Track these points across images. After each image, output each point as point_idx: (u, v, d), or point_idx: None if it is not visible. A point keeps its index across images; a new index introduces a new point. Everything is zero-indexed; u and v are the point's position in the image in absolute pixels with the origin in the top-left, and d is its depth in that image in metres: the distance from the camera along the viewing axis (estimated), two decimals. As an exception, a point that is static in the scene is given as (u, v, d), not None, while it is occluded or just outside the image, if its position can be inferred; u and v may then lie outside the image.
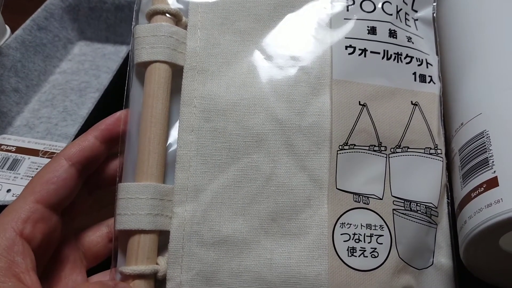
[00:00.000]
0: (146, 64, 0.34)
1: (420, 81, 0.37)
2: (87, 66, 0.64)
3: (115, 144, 0.35)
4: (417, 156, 0.35)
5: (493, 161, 0.31)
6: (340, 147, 0.34)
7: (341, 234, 0.33)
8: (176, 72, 0.35)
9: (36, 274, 0.29)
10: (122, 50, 0.65)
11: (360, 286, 0.32)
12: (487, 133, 0.32)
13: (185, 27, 0.36)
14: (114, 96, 0.53)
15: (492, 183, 0.30)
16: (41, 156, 0.53)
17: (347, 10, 0.37)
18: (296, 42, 0.36)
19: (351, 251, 0.32)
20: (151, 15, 0.35)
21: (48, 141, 0.54)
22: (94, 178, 0.35)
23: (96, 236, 0.35)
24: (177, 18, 0.36)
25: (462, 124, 0.35)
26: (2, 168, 0.52)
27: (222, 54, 0.35)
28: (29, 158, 0.53)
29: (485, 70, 0.35)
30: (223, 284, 0.31)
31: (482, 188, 0.31)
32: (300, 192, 0.33)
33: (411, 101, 0.36)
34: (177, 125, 0.34)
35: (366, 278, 0.32)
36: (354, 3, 0.37)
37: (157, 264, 0.31)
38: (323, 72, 0.35)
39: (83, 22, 0.66)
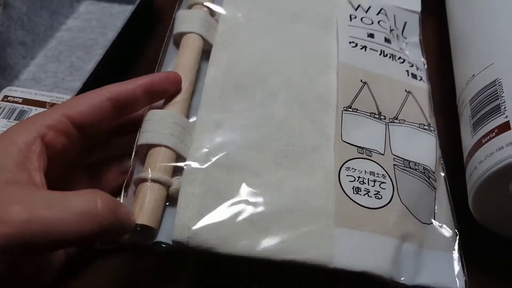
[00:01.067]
0: (182, 35, 0.41)
1: (412, 77, 0.43)
2: (94, 24, 0.63)
3: (155, 99, 0.36)
4: (413, 128, 0.39)
5: (505, 107, 0.31)
6: (345, 108, 0.38)
7: (346, 175, 0.35)
8: (208, 46, 0.41)
9: (45, 178, 0.29)
10: (129, 9, 0.64)
11: (365, 219, 0.33)
12: (499, 81, 0.33)
13: (217, 20, 0.44)
14: (121, 51, 0.52)
15: (504, 127, 0.31)
16: (48, 108, 0.53)
17: (350, 20, 0.46)
18: (308, 41, 0.43)
19: (356, 189, 0.34)
20: (190, 5, 0.44)
21: (55, 94, 0.54)
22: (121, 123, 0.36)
23: (108, 165, 0.37)
24: (211, 12, 0.44)
25: (473, 75, 0.35)
26: (9, 119, 0.52)
27: (245, 36, 0.42)
28: (36, 109, 0.53)
29: (497, 21, 0.35)
30: (233, 199, 0.32)
31: (494, 133, 0.31)
32: (310, 138, 0.36)
33: (405, 90, 0.42)
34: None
35: (371, 215, 0.33)
36: (356, 17, 0.46)
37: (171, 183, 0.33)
38: (331, 58, 0.42)
39: (90, -20, 0.65)
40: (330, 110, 0.38)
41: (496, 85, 0.32)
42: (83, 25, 0.63)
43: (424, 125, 0.40)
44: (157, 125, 0.34)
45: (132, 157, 0.34)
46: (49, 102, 0.54)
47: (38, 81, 0.57)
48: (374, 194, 0.34)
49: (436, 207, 0.36)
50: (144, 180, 0.32)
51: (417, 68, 0.44)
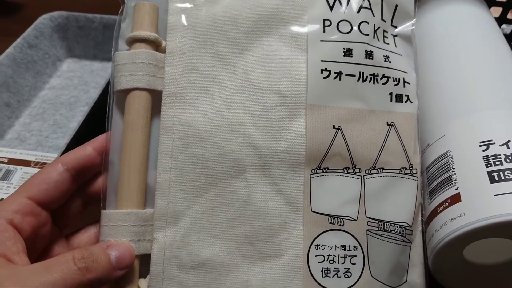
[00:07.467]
0: (126, 92, 0.33)
1: (396, 101, 0.35)
2: (76, 82, 0.63)
3: None
4: (392, 177, 0.34)
5: (456, 179, 0.32)
6: (313, 171, 0.33)
7: (315, 256, 0.32)
8: (158, 95, 0.33)
9: (27, 258, 0.29)
10: (110, 67, 0.65)
11: None
12: (450, 153, 0.33)
13: (165, 51, 0.34)
14: (104, 109, 0.53)
15: (456, 198, 0.32)
16: (33, 167, 0.52)
17: (324, 31, 0.35)
18: (273, 66, 0.34)
19: (325, 272, 0.32)
20: (130, 42, 0.33)
21: (40, 152, 0.54)
22: (89, 193, 0.35)
23: (85, 237, 0.35)
24: (156, 43, 0.34)
25: (428, 145, 0.36)
26: (-5, 179, 0.52)
27: (200, 80, 0.33)
28: (21, 168, 0.52)
29: (447, 94, 0.37)
30: None
31: (447, 203, 0.32)
32: (276, 215, 0.32)
33: (387, 122, 0.35)
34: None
35: None
36: (331, 24, 0.35)
37: (138, 287, 0.31)
38: (299, 96, 0.33)
39: (72, 40, 0.65)
40: (299, 171, 0.33)
41: (447, 156, 0.33)
42: (66, 83, 0.63)
43: (406, 168, 0.34)
44: (114, 233, 0.31)
45: None
46: (34, 161, 0.53)
47: (23, 140, 0.56)
48: (344, 273, 0.32)
49: (409, 264, 0.34)
50: None
51: (404, 83, 0.36)
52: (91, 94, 0.62)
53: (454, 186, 0.32)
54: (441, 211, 0.32)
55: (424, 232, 0.35)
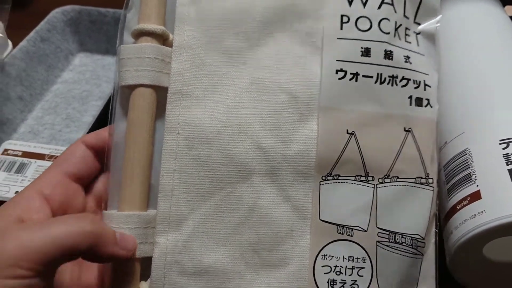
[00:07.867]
0: (131, 88, 0.31)
1: (416, 105, 0.33)
2: (88, 76, 0.63)
3: None
4: (406, 186, 0.32)
5: (475, 176, 0.33)
6: (324, 177, 0.32)
7: (322, 266, 0.31)
8: (163, 92, 0.32)
9: None
10: (121, 62, 0.65)
11: None
12: (469, 151, 0.34)
13: (172, 45, 0.32)
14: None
15: (476, 196, 0.32)
16: (47, 160, 0.52)
17: (341, 28, 0.32)
18: (285, 64, 0.32)
19: (331, 283, 0.31)
20: (136, 35, 0.32)
21: (54, 146, 0.54)
22: None
23: None
24: (163, 37, 0.32)
25: (446, 142, 0.36)
26: (9, 172, 0.52)
27: (208, 76, 0.32)
28: (35, 162, 0.52)
29: (467, 92, 0.37)
30: None
31: (467, 201, 0.32)
32: (283, 223, 0.31)
33: (404, 128, 0.33)
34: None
35: None
36: (349, 20, 0.33)
37: None
38: (312, 97, 0.32)
39: (84, 34, 0.65)
40: (309, 177, 0.31)
41: (466, 154, 0.34)
42: (78, 77, 0.63)
43: (421, 177, 0.32)
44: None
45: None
46: (48, 154, 0.53)
47: (36, 134, 0.57)
48: (351, 285, 0.31)
49: (420, 276, 0.32)
50: None
51: (425, 86, 0.34)
52: (103, 89, 0.62)
53: (474, 183, 0.32)
54: (460, 208, 0.33)
55: (436, 245, 0.34)
